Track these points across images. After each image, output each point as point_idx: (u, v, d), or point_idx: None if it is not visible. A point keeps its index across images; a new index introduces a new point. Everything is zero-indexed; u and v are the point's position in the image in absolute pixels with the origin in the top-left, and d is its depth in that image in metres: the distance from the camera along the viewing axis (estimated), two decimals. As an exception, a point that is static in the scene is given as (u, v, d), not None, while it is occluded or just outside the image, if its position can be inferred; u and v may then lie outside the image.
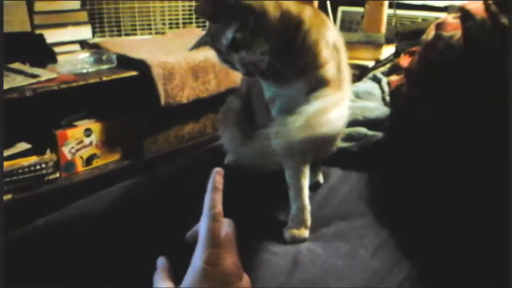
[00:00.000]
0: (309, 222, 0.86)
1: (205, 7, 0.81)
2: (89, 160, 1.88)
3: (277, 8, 0.79)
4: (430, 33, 1.17)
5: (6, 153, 1.60)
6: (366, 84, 1.52)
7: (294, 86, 0.84)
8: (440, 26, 1.14)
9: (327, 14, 2.16)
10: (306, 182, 0.88)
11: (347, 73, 0.92)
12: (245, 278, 0.58)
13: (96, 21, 2.14)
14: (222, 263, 0.54)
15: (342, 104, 0.83)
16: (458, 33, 1.03)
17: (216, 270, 0.53)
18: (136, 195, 0.98)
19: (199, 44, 0.87)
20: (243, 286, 0.57)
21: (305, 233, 0.85)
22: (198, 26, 2.50)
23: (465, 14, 1.03)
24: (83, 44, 2.03)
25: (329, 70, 0.83)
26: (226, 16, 0.78)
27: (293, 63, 0.82)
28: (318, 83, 0.83)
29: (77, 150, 1.82)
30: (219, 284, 0.53)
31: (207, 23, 2.49)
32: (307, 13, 0.83)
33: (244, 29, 0.76)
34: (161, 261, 0.64)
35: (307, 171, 0.89)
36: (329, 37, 0.85)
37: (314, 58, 0.82)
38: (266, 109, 0.91)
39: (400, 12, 2.25)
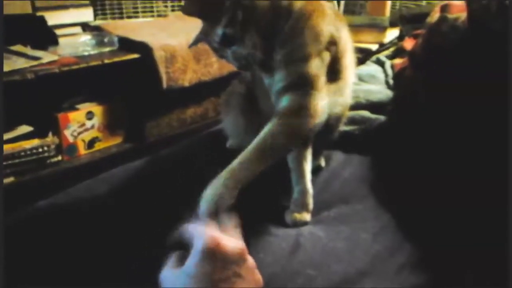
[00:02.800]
0: (311, 206, 0.86)
1: (192, 6, 0.78)
2: (91, 143, 1.88)
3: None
4: (435, 16, 1.15)
5: (8, 136, 1.60)
6: (370, 67, 1.52)
7: (277, 77, 0.81)
8: (445, 8, 1.13)
9: (331, -4, 2.14)
10: (308, 166, 0.88)
11: (347, 65, 0.87)
12: (250, 261, 0.59)
13: (98, 4, 2.13)
14: (222, 244, 0.55)
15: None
16: (463, 15, 1.02)
17: (216, 251, 0.55)
18: (138, 177, 0.98)
19: (197, 41, 0.85)
20: (247, 269, 0.58)
21: (307, 216, 0.84)
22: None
23: (470, -4, 1.01)
24: (85, 26, 2.01)
25: (311, 66, 0.77)
26: (215, 12, 0.75)
27: (278, 53, 0.79)
28: (298, 78, 0.78)
29: (79, 133, 1.82)
30: (221, 264, 0.55)
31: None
32: (299, 2, 0.78)
33: (233, 23, 0.74)
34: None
35: (309, 155, 0.88)
36: (322, 29, 0.79)
37: (297, 50, 0.77)
38: (268, 95, 0.90)
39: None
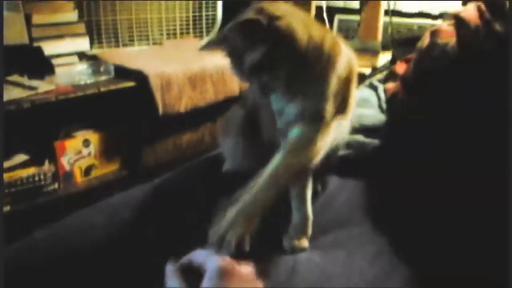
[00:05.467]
0: (310, 232, 0.86)
1: (236, 29, 0.77)
2: (87, 171, 1.88)
3: (305, 35, 0.77)
4: (425, 41, 1.17)
5: (5, 165, 1.60)
6: (363, 92, 1.53)
7: (295, 106, 0.83)
8: (434, 33, 1.14)
9: (323, 22, 2.17)
10: (309, 192, 0.88)
11: (352, 101, 0.91)
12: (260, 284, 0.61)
13: (94, 32, 2.15)
14: (237, 265, 0.59)
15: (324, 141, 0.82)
16: (452, 40, 1.04)
17: (233, 270, 0.58)
18: (136, 204, 0.98)
19: (212, 45, 0.84)
20: None
21: (305, 243, 0.84)
22: (196, 36, 2.50)
23: (459, 21, 1.03)
24: (81, 55, 2.03)
25: (327, 107, 0.81)
26: (255, 35, 0.75)
27: (303, 86, 0.81)
28: (313, 113, 0.82)
29: (76, 160, 1.83)
30: (237, 283, 0.57)
31: (204, 33, 2.51)
32: (328, 41, 0.81)
33: (273, 55, 0.75)
34: (170, 266, 0.64)
35: (309, 181, 0.89)
36: (342, 70, 0.82)
37: (321, 89, 0.81)
38: (273, 120, 0.91)
39: (396, 19, 2.26)
